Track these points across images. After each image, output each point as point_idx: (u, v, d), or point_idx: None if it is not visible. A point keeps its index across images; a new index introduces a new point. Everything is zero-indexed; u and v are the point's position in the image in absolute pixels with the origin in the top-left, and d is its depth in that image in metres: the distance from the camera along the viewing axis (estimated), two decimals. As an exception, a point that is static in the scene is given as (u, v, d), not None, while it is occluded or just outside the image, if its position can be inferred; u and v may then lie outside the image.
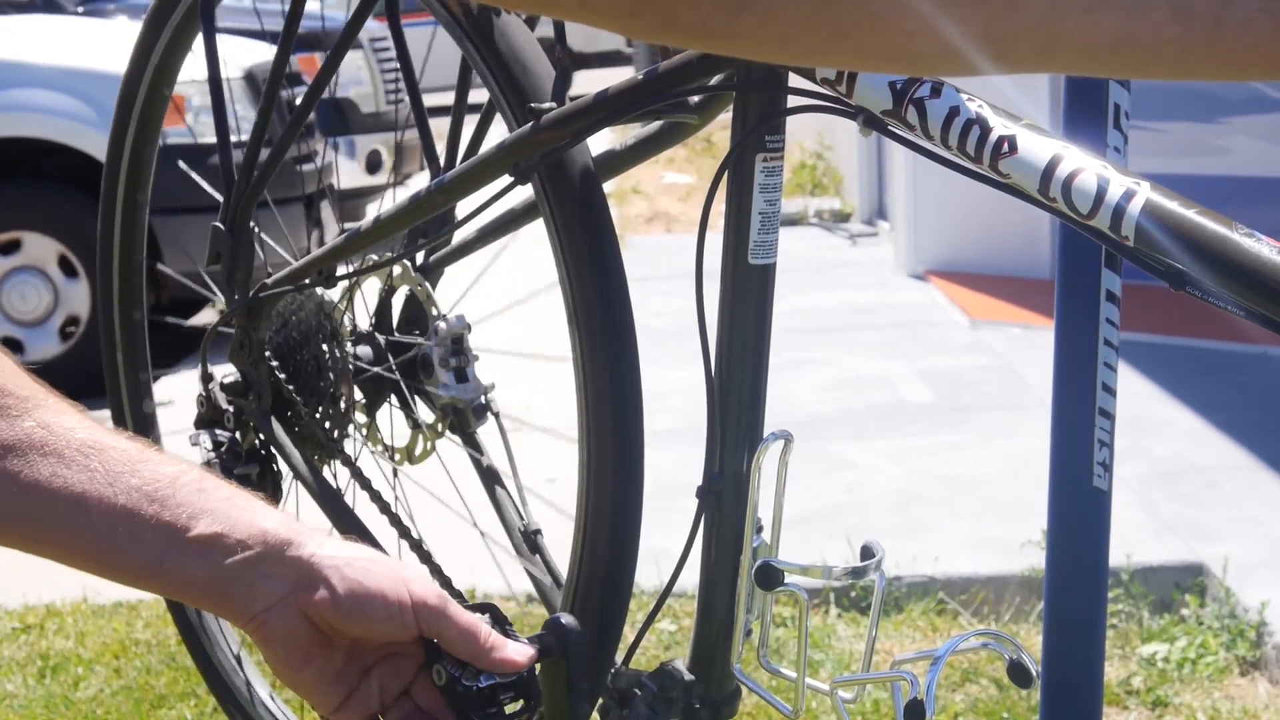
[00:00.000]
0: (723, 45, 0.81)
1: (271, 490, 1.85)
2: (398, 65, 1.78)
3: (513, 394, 2.21)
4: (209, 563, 1.03)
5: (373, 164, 8.61)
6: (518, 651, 1.11)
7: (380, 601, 1.05)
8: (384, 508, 1.75)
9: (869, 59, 0.81)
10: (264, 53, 6.75)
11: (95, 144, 5.94)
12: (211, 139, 6.26)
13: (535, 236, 1.65)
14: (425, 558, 1.70)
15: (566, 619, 1.26)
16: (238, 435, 1.84)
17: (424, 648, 1.09)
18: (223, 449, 1.82)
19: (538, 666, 1.16)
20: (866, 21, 0.77)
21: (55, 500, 1.02)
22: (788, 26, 0.78)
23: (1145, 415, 4.59)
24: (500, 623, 1.13)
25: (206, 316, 6.96)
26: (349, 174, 8.30)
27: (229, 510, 1.05)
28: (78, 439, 1.03)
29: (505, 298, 2.19)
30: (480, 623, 1.09)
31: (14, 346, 6.18)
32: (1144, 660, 3.19)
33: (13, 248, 6.17)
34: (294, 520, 1.08)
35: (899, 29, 0.76)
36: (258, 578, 1.04)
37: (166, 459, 1.06)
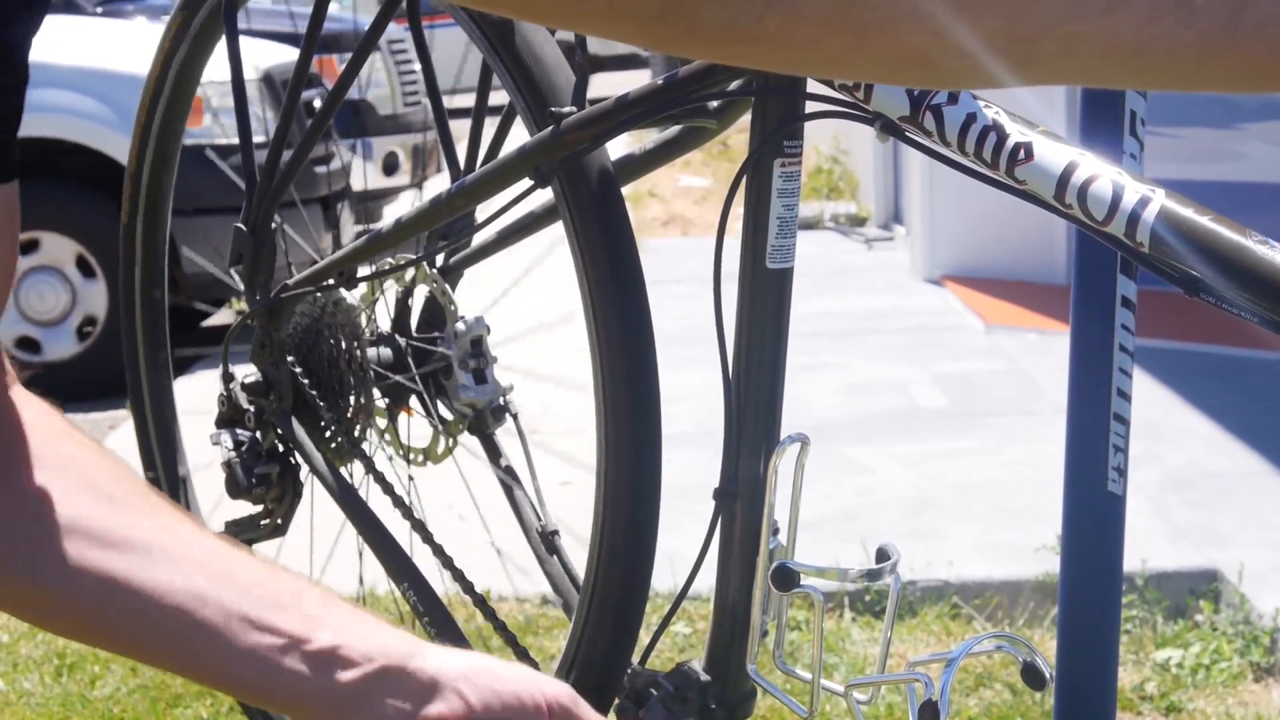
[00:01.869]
0: (746, 51, 0.81)
1: (291, 489, 1.86)
2: (416, 67, 1.79)
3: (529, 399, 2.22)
4: (328, 678, 0.97)
5: (390, 166, 8.63)
6: None
7: (516, 707, 0.98)
8: (402, 508, 1.76)
9: (891, 64, 0.81)
10: (281, 54, 6.77)
11: (113, 144, 5.97)
12: (227, 140, 6.29)
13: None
14: (443, 557, 1.71)
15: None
16: (258, 435, 1.86)
17: None
18: (243, 448, 1.83)
19: None
20: (890, 23, 0.77)
21: (173, 600, 0.96)
22: (811, 28, 0.78)
23: (1160, 421, 4.59)
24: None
25: (225, 316, 6.98)
26: (366, 175, 8.32)
27: (350, 624, 0.99)
28: (204, 543, 0.99)
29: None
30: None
31: (32, 346, 6.21)
32: (1158, 666, 3.20)
33: (31, 247, 6.18)
34: (411, 635, 1.02)
35: (922, 28, 0.76)
36: (382, 695, 0.97)
37: (292, 575, 1.01)
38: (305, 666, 0.97)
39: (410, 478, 1.91)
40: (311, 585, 1.01)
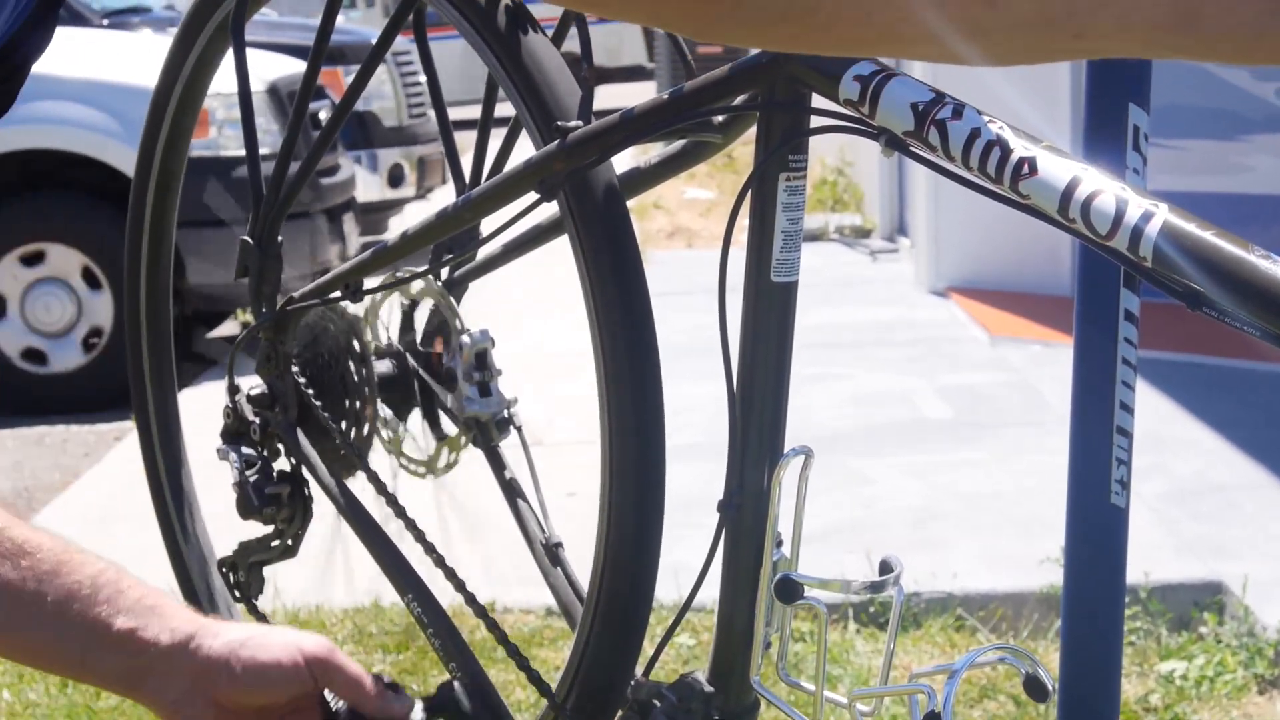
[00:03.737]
0: (792, 31, 0.81)
1: (302, 509, 1.86)
2: (419, 80, 1.80)
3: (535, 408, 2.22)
4: (125, 657, 1.14)
5: (395, 177, 8.65)
6: (401, 702, 1.22)
7: (276, 669, 1.16)
8: (408, 523, 1.76)
9: (939, 36, 0.80)
10: (287, 66, 6.78)
11: (119, 156, 5.98)
12: (233, 151, 6.31)
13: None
14: (445, 569, 1.72)
15: (458, 686, 1.34)
16: (265, 452, 1.86)
17: (321, 708, 1.19)
18: (254, 469, 1.83)
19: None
20: None
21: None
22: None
23: (1165, 433, 4.60)
24: (391, 688, 1.23)
25: (230, 329, 6.99)
26: (371, 187, 8.34)
27: (141, 611, 1.15)
28: (7, 537, 1.12)
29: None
30: (367, 673, 1.21)
31: (38, 358, 6.22)
32: (1162, 678, 3.20)
33: (37, 259, 6.20)
34: (199, 616, 1.19)
35: None
36: (168, 671, 1.15)
37: (88, 560, 1.15)
38: (104, 650, 1.14)
39: (393, 491, 1.92)
40: (107, 568, 1.16)
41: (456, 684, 1.43)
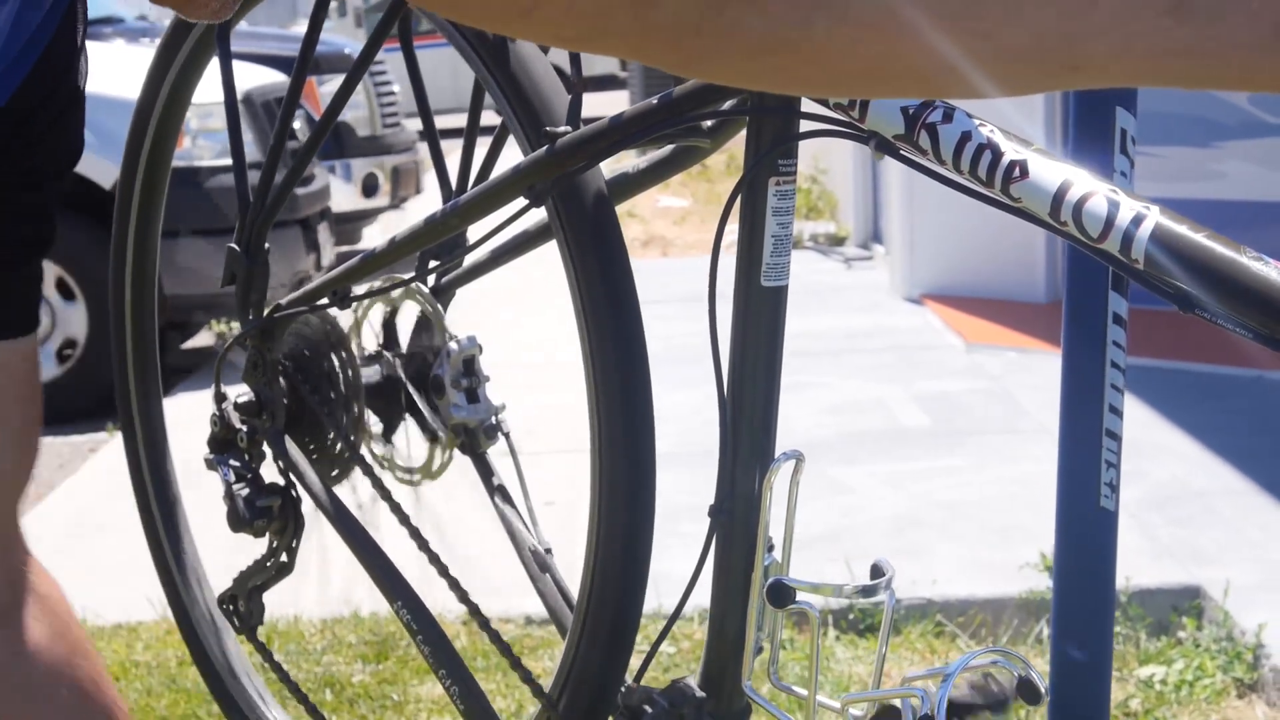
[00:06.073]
0: (779, 64, 0.80)
1: (293, 521, 1.85)
2: (393, 90, 1.79)
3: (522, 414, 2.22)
4: None
5: (369, 187, 8.64)
6: None
7: None
8: (405, 522, 1.76)
9: (929, 71, 0.79)
10: (261, 76, 6.78)
11: (92, 167, 5.96)
12: (207, 161, 6.28)
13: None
14: (442, 568, 1.72)
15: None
16: (252, 461, 1.85)
17: None
18: (245, 481, 1.82)
19: None
20: (946, 19, 0.75)
21: None
22: (855, 30, 0.77)
23: (1143, 439, 4.61)
24: None
25: (203, 339, 6.98)
26: (345, 197, 8.34)
27: None
28: None
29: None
30: None
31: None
32: (1141, 682, 3.21)
33: (10, 270, 6.17)
34: None
35: (975, 29, 0.74)
36: None
37: None
38: None
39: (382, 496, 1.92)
40: None
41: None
